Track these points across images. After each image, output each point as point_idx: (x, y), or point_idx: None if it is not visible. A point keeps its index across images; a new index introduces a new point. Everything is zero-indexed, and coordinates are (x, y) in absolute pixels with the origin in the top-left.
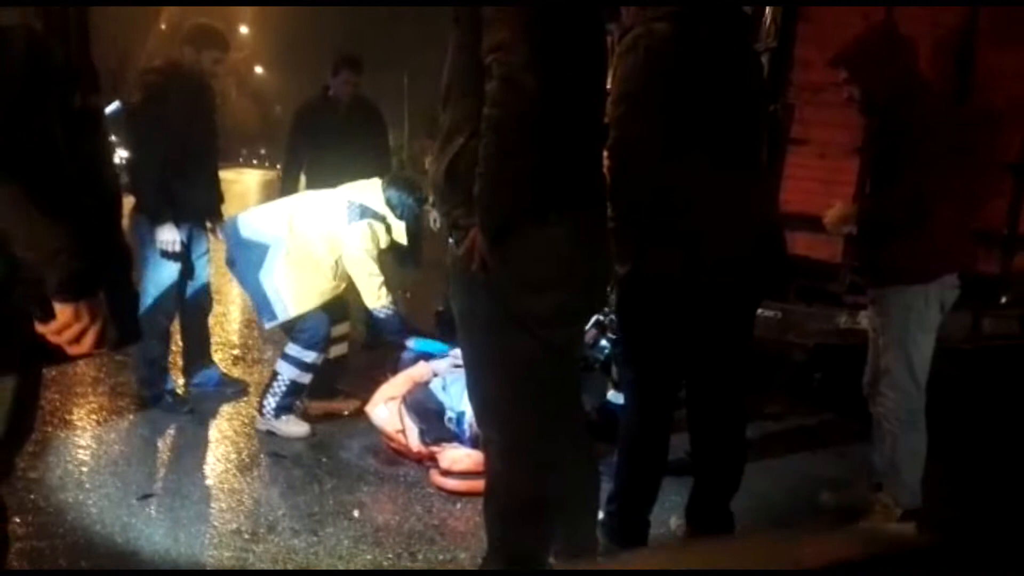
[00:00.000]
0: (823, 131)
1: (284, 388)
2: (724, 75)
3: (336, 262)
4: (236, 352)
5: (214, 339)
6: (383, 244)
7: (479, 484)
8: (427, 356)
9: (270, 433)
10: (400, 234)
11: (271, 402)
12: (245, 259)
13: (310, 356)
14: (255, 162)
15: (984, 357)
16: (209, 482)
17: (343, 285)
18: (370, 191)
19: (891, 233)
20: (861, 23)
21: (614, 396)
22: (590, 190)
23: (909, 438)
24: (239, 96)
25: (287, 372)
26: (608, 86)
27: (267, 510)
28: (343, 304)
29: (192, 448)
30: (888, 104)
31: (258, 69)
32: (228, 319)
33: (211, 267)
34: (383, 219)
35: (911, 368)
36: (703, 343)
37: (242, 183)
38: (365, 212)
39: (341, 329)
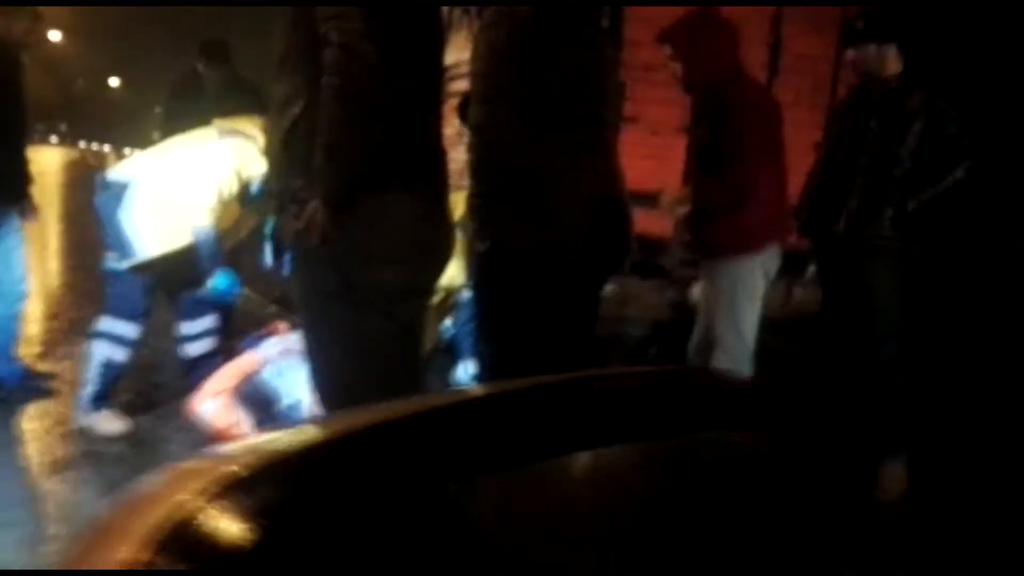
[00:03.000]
0: (654, 109)
1: (99, 370)
2: (583, 56)
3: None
4: (41, 347)
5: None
6: (246, 172)
7: None
8: (226, 296)
9: (88, 430)
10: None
11: (86, 392)
12: (106, 200)
13: (123, 327)
14: (54, 140)
15: (796, 326)
16: (17, 485)
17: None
18: (246, 121)
19: (720, 210)
20: (680, 7)
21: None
22: (430, 162)
23: None
24: (31, 66)
25: (99, 350)
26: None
27: (86, 513)
28: (203, 295)
29: None
30: (709, 84)
31: (54, 35)
32: (29, 310)
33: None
34: (253, 144)
35: (740, 334)
36: (561, 317)
37: (39, 163)
38: (234, 132)
39: (203, 323)
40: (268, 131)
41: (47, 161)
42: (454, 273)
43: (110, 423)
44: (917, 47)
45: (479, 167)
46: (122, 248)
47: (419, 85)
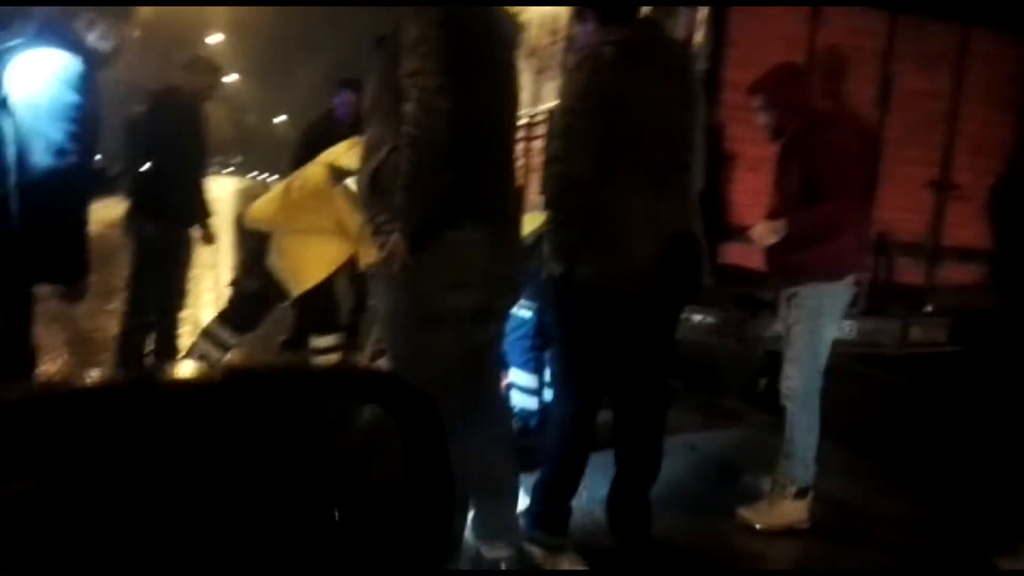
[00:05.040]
0: (753, 147)
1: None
2: (662, 99)
3: (334, 224)
4: None
5: None
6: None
7: None
8: None
9: None
10: None
11: None
12: (248, 246)
13: (227, 335)
14: (230, 171)
15: (914, 363)
16: None
17: (348, 251)
18: (347, 150)
19: (810, 240)
20: (783, 47)
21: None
22: (502, 199)
23: (805, 416)
24: (212, 103)
25: (199, 348)
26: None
27: None
28: (333, 313)
29: None
30: (796, 131)
31: (230, 77)
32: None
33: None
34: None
35: (815, 353)
36: (628, 343)
37: (214, 191)
38: (342, 175)
39: (330, 340)
40: (358, 172)
41: (221, 189)
42: None
43: None
44: None
45: (552, 196)
46: (273, 288)
47: (491, 131)
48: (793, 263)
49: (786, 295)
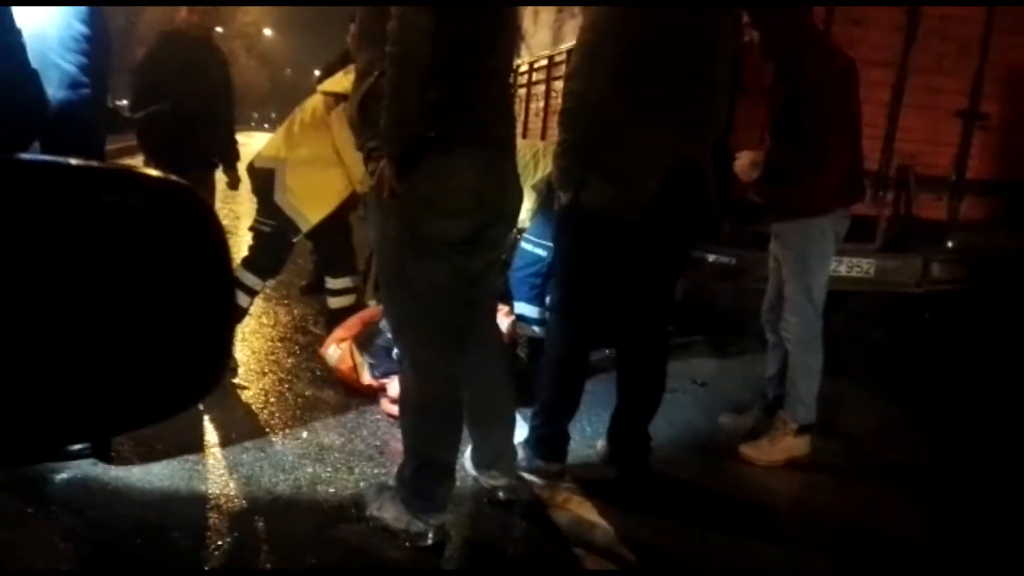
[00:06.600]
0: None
1: None
2: (679, 35)
3: (334, 152)
4: None
5: None
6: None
7: None
8: None
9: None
10: None
11: None
12: (257, 187)
13: (253, 280)
14: (267, 125)
15: (933, 300)
16: None
17: (355, 181)
18: (342, 77)
19: (793, 174)
20: None
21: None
22: (495, 126)
23: (807, 359)
24: (248, 59)
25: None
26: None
27: (218, 429)
28: (348, 256)
29: None
30: (785, 53)
31: (267, 31)
32: None
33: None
34: None
35: (810, 294)
36: (631, 274)
37: (251, 146)
38: (338, 98)
39: (345, 282)
40: (349, 98)
41: (258, 144)
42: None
43: None
44: None
45: (565, 114)
46: (288, 227)
47: (482, 55)
48: (775, 198)
49: (774, 231)
